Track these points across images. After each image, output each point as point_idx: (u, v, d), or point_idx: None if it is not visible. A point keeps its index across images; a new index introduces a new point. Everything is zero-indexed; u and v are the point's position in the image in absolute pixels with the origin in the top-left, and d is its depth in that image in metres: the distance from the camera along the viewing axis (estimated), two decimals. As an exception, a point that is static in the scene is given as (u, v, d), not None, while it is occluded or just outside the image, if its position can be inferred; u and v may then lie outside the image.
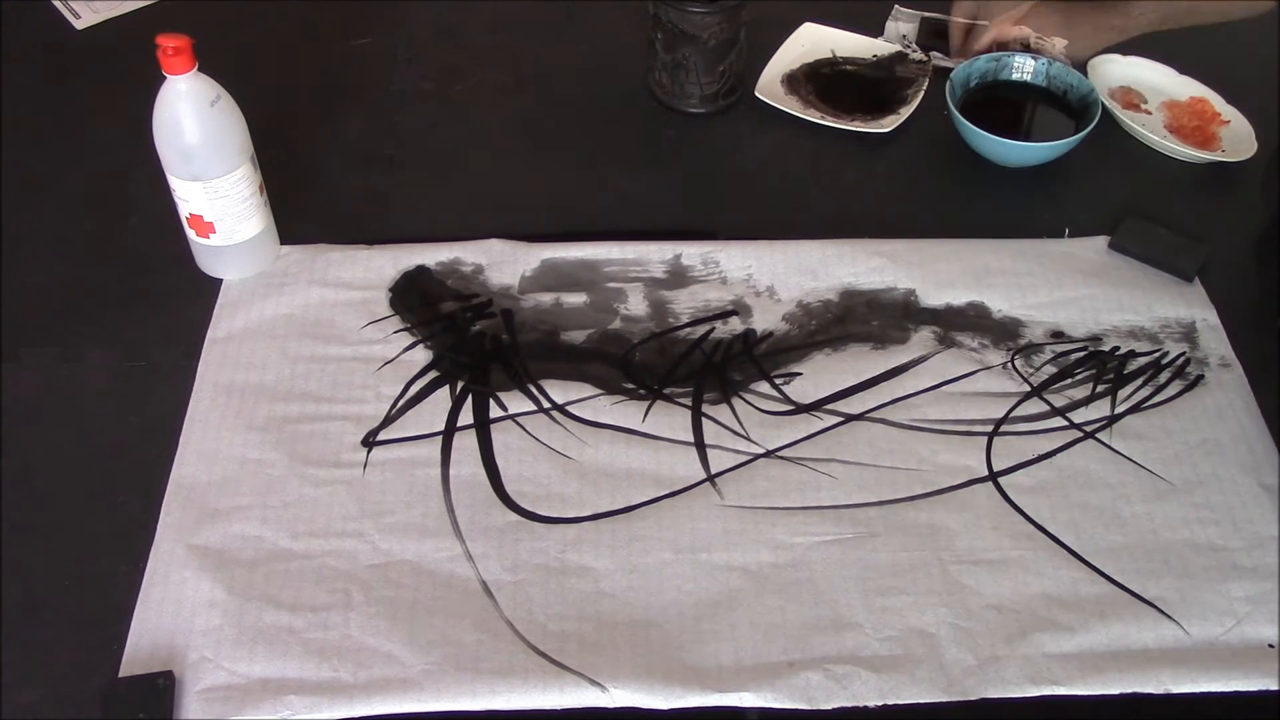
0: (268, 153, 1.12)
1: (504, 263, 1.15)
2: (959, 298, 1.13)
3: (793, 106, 1.32)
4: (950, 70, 1.30)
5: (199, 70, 1.02)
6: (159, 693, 0.85)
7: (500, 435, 1.02)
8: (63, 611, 0.91)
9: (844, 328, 1.11)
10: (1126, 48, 1.33)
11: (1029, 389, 1.06)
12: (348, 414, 1.03)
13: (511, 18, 1.45)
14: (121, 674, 0.87)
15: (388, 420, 1.03)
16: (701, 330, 1.10)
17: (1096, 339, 1.11)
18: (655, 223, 1.20)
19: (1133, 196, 1.23)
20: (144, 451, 1.01)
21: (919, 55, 1.38)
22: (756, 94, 1.33)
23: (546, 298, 1.13)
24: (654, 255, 1.16)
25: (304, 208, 1.20)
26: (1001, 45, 1.34)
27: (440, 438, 1.02)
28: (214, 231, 1.09)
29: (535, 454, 1.01)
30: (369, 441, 1.01)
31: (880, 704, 0.87)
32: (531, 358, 1.08)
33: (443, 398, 1.05)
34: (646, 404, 1.04)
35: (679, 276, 1.15)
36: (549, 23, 1.44)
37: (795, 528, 0.96)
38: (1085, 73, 1.31)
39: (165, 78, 1.01)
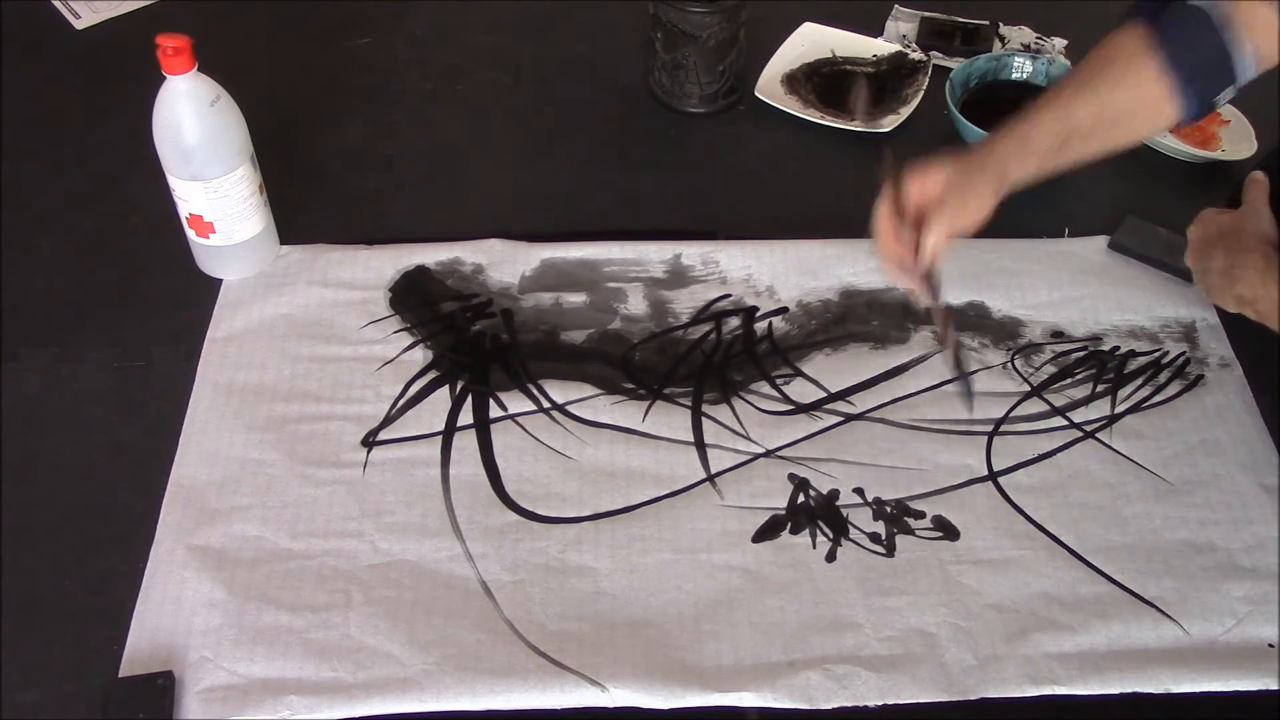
0: (268, 153, 1.12)
1: (504, 262, 1.15)
2: (959, 297, 1.13)
3: (793, 106, 1.32)
4: (950, 70, 1.30)
5: (199, 70, 1.02)
6: (159, 693, 0.85)
7: (500, 435, 1.02)
8: (63, 611, 0.91)
9: (844, 327, 1.11)
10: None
11: (1029, 389, 1.06)
12: (348, 414, 1.03)
13: (511, 18, 1.45)
14: (121, 674, 0.87)
15: (388, 420, 1.03)
16: (701, 330, 1.10)
17: (1096, 339, 1.10)
18: (655, 223, 1.20)
19: (1133, 196, 1.23)
20: (144, 451, 1.01)
21: (919, 55, 1.38)
22: (756, 94, 1.33)
23: (546, 297, 1.12)
24: (654, 255, 1.16)
25: (304, 208, 1.20)
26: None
27: (440, 438, 1.02)
28: (214, 231, 1.09)
29: (535, 454, 1.01)
30: (369, 441, 1.01)
31: (880, 704, 0.87)
32: (531, 357, 1.08)
33: (443, 398, 1.05)
34: (646, 404, 1.04)
35: (679, 276, 1.14)
36: (549, 23, 1.44)
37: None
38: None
39: (165, 78, 1.01)
